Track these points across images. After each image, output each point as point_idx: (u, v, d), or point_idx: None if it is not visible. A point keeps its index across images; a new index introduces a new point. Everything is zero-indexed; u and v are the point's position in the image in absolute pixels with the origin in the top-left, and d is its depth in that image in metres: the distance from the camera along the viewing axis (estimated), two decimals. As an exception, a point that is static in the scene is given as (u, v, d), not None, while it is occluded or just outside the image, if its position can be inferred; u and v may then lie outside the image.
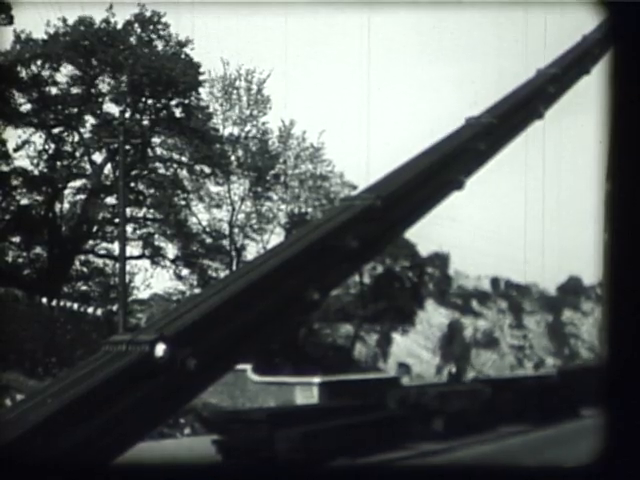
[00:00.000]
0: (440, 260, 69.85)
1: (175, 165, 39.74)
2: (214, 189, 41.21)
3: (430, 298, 69.64)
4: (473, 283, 79.52)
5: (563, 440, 25.88)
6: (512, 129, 21.09)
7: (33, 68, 36.62)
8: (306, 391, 27.81)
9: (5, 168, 36.83)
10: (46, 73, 36.93)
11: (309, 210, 43.69)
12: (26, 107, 36.96)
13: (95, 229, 38.88)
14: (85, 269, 39.56)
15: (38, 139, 37.45)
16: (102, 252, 39.50)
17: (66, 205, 38.46)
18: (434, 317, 72.81)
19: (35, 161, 37.41)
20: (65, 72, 37.22)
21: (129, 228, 38.03)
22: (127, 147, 36.69)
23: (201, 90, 39.08)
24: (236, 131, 41.81)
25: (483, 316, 76.57)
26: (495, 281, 79.26)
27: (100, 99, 37.84)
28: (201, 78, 38.67)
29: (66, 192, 38.36)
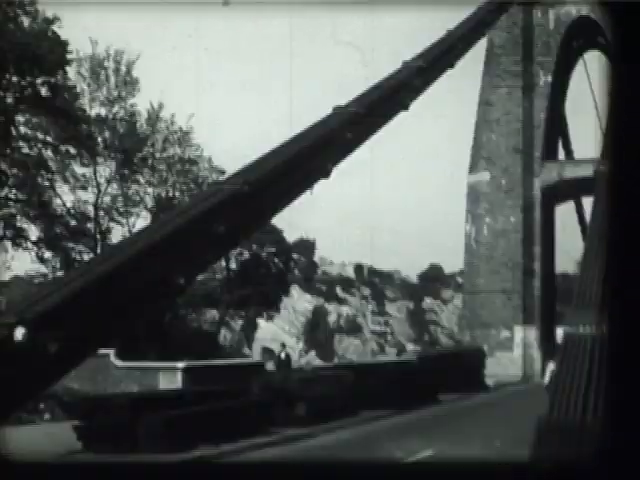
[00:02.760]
0: (306, 247, 70.53)
1: (40, 145, 38.75)
2: (80, 170, 40.44)
3: (295, 284, 70.22)
4: (337, 270, 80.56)
5: (421, 425, 26.58)
6: (378, 119, 21.46)
7: None
8: (170, 376, 27.68)
9: None
10: None
11: (176, 194, 43.42)
12: None
13: (-46, 209, 37.69)
14: (-58, 250, 38.35)
15: None
16: (-39, 233, 38.34)
17: None
18: (299, 303, 73.45)
19: None
20: None
21: (-10, 208, 37.02)
22: (-10, 125, 35.66)
23: (68, 69, 38.27)
24: (104, 112, 41.19)
25: (347, 302, 77.64)
26: (359, 268, 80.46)
27: (-39, 75, 36.62)
28: (69, 57, 37.84)
29: None
